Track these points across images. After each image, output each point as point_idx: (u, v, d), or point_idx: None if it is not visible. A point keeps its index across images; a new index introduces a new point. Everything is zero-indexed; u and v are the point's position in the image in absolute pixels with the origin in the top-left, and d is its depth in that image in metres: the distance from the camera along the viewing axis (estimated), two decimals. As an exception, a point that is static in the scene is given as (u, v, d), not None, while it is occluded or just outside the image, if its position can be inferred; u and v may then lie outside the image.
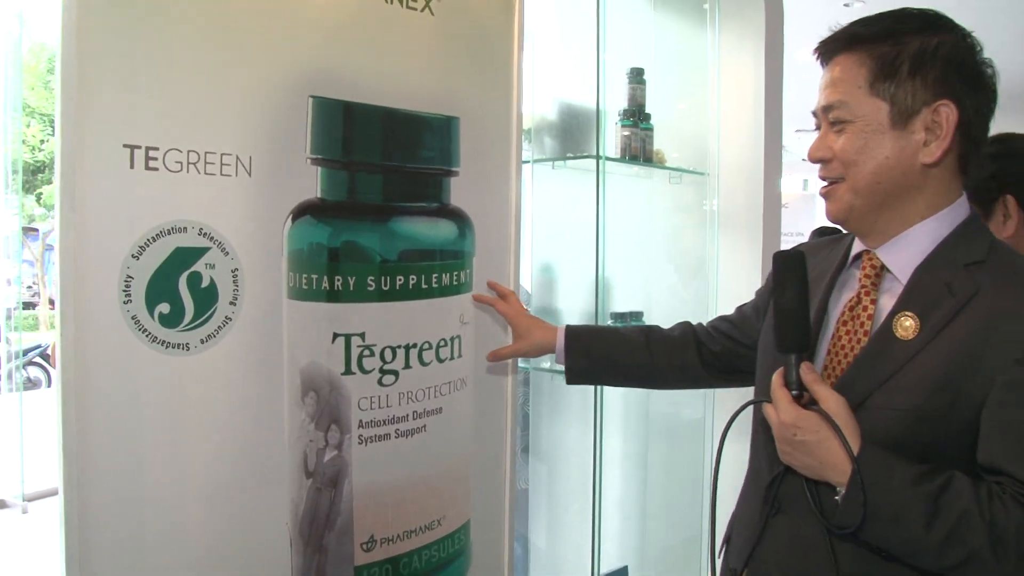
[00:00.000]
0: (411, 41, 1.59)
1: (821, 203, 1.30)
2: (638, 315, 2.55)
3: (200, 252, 1.31)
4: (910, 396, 1.09)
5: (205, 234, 1.31)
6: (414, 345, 1.60)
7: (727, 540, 1.39)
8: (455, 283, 1.67)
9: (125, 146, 1.22)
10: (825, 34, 1.23)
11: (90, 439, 1.20)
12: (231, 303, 1.35)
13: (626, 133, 2.55)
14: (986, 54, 1.18)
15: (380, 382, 1.54)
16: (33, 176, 11.46)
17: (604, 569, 2.44)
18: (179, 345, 1.29)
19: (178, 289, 1.29)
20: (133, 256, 1.24)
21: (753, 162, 2.84)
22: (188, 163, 1.29)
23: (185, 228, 1.29)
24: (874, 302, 1.19)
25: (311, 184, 1.45)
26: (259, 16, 1.36)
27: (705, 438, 2.79)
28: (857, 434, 1.08)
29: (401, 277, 1.56)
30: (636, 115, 2.58)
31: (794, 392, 1.14)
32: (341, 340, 1.49)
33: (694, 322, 1.68)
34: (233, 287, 1.35)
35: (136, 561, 1.26)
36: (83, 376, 1.20)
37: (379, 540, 1.55)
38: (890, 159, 1.14)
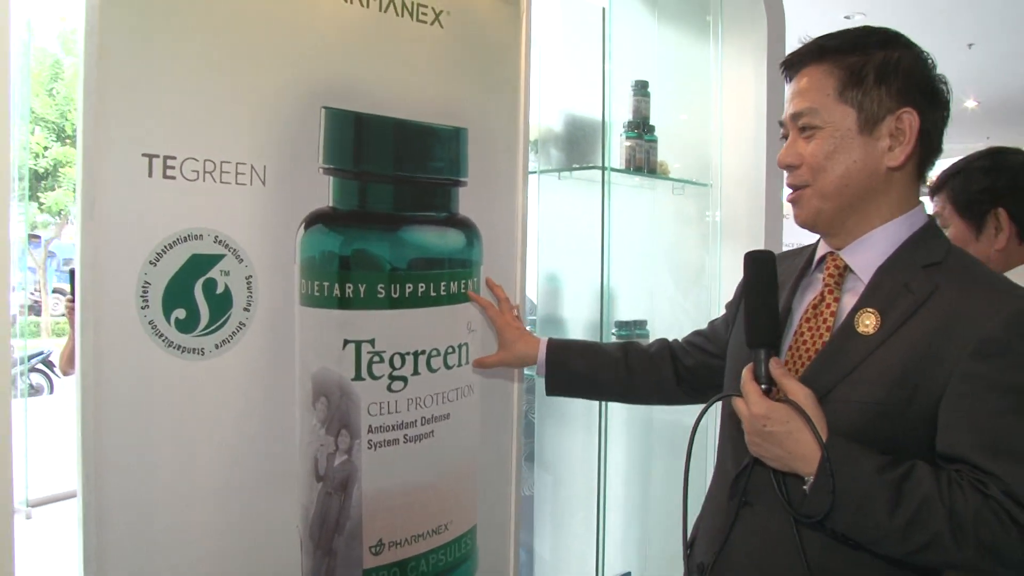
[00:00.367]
0: (421, 54, 1.62)
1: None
2: (642, 324, 2.58)
3: (215, 259, 1.34)
4: (871, 389, 1.14)
5: (220, 241, 1.34)
6: (423, 352, 1.62)
7: (692, 540, 1.42)
8: (463, 291, 1.70)
9: (144, 155, 1.25)
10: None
11: (107, 441, 1.23)
12: (245, 309, 1.38)
13: (630, 144, 2.59)
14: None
15: (389, 388, 1.57)
16: (36, 183, 11.49)
17: (608, 575, 2.46)
18: (194, 350, 1.32)
19: (194, 295, 1.32)
20: (151, 263, 1.27)
21: (755, 173, 2.87)
22: (204, 172, 1.32)
23: (201, 235, 1.32)
24: (837, 300, 1.25)
25: (323, 193, 1.48)
26: (273, 29, 1.40)
27: (708, 446, 2.80)
28: (824, 425, 1.13)
29: (410, 285, 1.59)
30: (640, 127, 2.61)
31: (763, 386, 1.19)
32: (352, 346, 1.51)
33: (687, 333, 1.71)
34: (247, 293, 1.38)
35: (150, 561, 1.28)
36: (101, 379, 1.22)
37: (387, 544, 1.58)
38: (857, 163, 1.20)
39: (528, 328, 1.81)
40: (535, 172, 2.46)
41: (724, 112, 2.94)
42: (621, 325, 2.53)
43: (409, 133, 1.59)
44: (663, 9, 2.85)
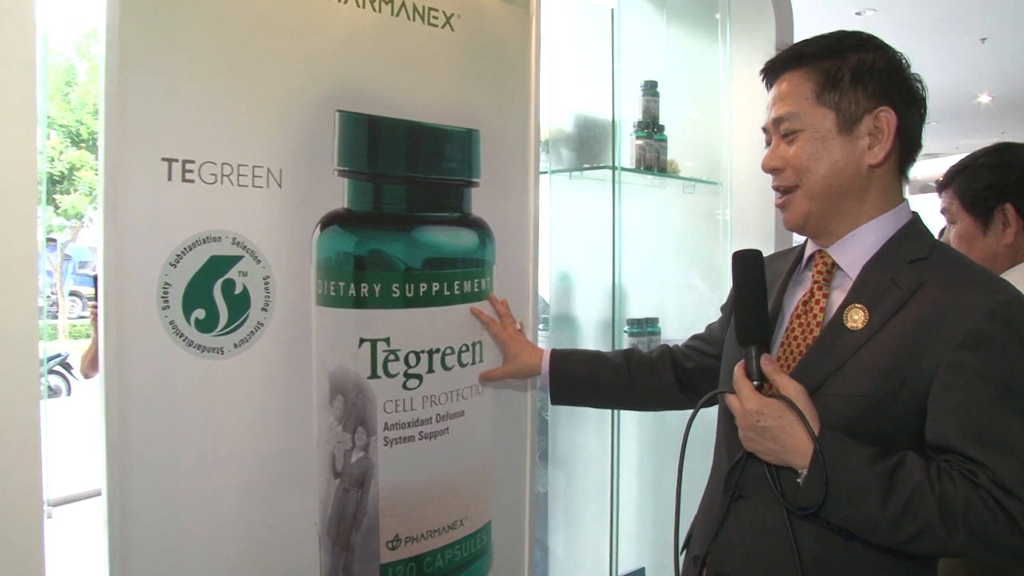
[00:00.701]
0: (433, 57, 1.64)
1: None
2: (653, 321, 2.60)
3: (233, 260, 1.37)
4: (861, 382, 1.16)
5: (238, 243, 1.37)
6: (437, 350, 1.65)
7: (689, 535, 1.45)
8: (476, 290, 1.72)
9: (163, 159, 1.28)
10: None
11: (130, 439, 1.26)
12: (263, 309, 1.40)
13: (641, 144, 2.60)
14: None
15: (404, 386, 1.59)
16: (52, 186, 11.59)
17: (622, 571, 2.48)
18: (214, 349, 1.35)
19: (213, 296, 1.35)
20: (171, 264, 1.30)
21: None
22: (222, 175, 1.35)
23: (219, 237, 1.35)
24: (826, 296, 1.27)
25: (338, 195, 1.50)
26: (287, 36, 1.42)
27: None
28: (816, 419, 1.16)
29: (424, 284, 1.61)
30: (650, 126, 2.63)
31: (756, 382, 1.22)
32: (367, 345, 1.54)
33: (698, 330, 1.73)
34: (265, 294, 1.41)
35: (172, 556, 1.31)
36: (124, 378, 1.25)
37: (404, 539, 1.60)
38: (839, 162, 1.23)
39: (540, 326, 1.83)
40: (546, 172, 2.48)
41: (734, 110, 2.95)
42: (633, 323, 2.55)
43: (422, 135, 1.61)
44: (672, 9, 2.86)
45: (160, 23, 1.27)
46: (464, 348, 1.71)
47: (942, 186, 1.81)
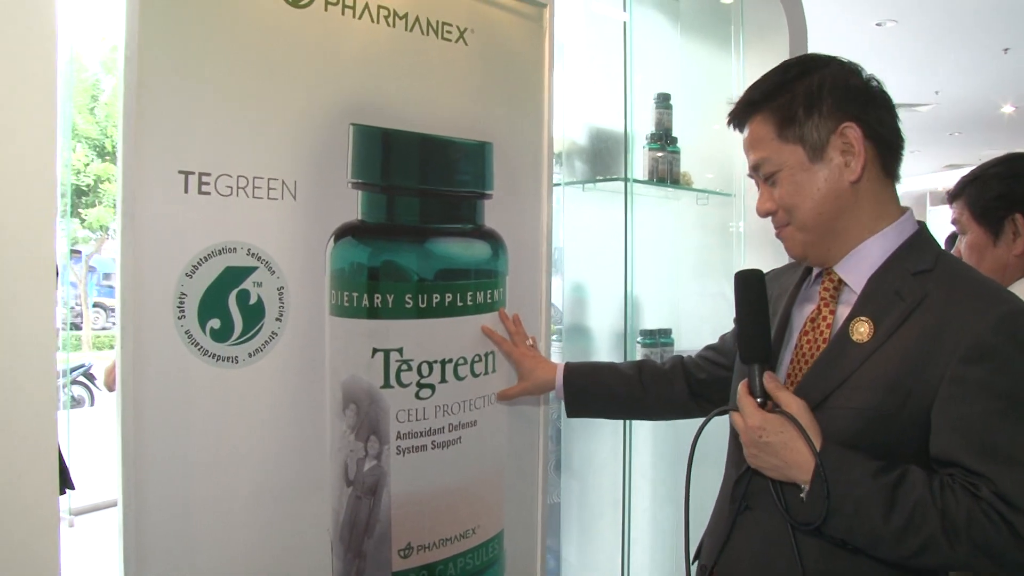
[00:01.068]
0: (446, 70, 1.67)
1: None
2: (666, 332, 2.60)
3: (248, 271, 1.39)
4: (866, 395, 1.16)
5: (253, 254, 1.39)
6: (450, 360, 1.66)
7: (699, 548, 1.45)
8: (489, 301, 1.74)
9: (180, 172, 1.31)
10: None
11: (145, 446, 1.28)
12: (277, 319, 1.43)
13: (654, 156, 2.61)
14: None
15: (417, 395, 1.61)
16: (78, 199, 11.75)
17: (634, 582, 2.48)
18: (228, 358, 1.37)
19: (228, 306, 1.37)
20: (187, 275, 1.32)
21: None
22: (238, 187, 1.37)
23: (235, 248, 1.37)
24: (833, 312, 1.28)
25: (352, 207, 1.53)
26: (303, 49, 1.45)
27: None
28: (818, 434, 1.16)
29: (437, 295, 1.63)
30: (663, 138, 2.64)
31: (759, 399, 1.23)
32: (380, 355, 1.56)
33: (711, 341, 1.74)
34: (279, 304, 1.43)
35: (186, 563, 1.33)
36: (140, 386, 1.27)
37: (416, 547, 1.62)
38: (822, 189, 1.23)
39: (554, 336, 1.84)
40: (560, 184, 2.50)
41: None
42: (646, 334, 2.56)
43: (435, 148, 1.64)
44: (685, 21, 2.88)
45: (178, 39, 1.30)
46: (477, 358, 1.72)
47: (953, 196, 1.80)
